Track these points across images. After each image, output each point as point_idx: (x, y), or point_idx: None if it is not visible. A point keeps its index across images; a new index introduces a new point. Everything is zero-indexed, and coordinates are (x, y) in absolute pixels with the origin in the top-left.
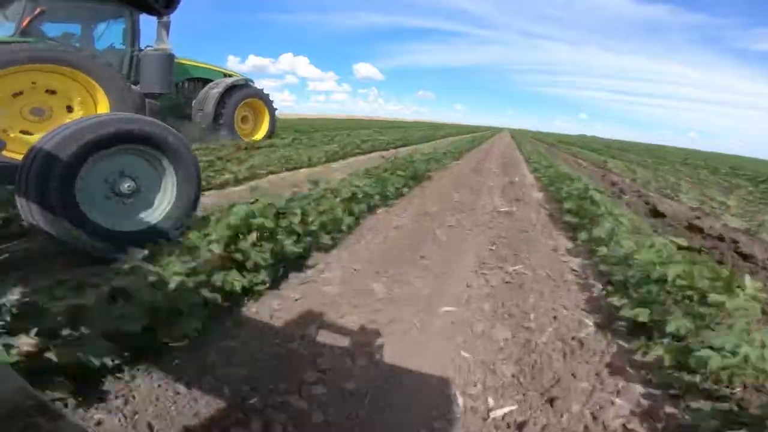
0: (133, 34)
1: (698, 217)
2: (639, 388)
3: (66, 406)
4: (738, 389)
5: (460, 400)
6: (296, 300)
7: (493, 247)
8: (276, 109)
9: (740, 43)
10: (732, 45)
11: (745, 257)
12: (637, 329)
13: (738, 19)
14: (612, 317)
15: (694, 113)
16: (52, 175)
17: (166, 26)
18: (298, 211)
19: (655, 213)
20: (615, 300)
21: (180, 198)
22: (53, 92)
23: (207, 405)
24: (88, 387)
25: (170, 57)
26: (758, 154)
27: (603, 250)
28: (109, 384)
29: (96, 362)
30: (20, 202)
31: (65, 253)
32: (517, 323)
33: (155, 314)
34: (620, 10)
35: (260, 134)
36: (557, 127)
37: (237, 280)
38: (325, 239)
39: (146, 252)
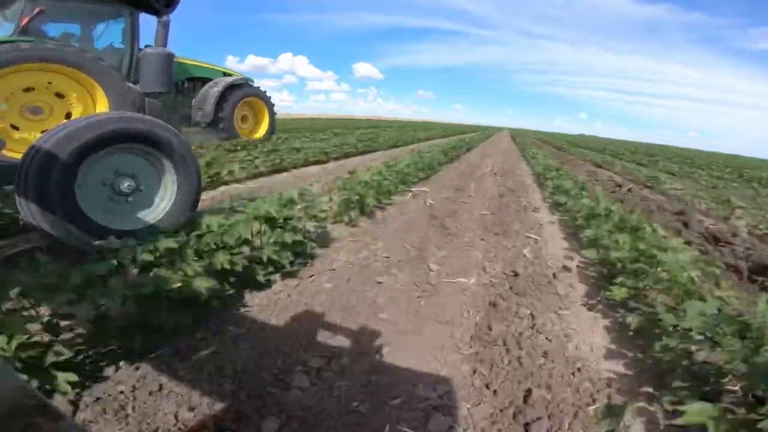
0: (132, 34)
1: None
2: None
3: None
4: None
5: None
6: None
7: None
8: (275, 111)
9: (740, 42)
10: (731, 45)
11: None
12: None
13: (737, 19)
14: None
15: (693, 113)
16: (51, 174)
17: (166, 25)
18: None
19: None
20: None
21: (180, 196)
22: (52, 91)
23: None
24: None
25: (170, 56)
26: (759, 154)
27: None
28: None
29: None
30: (20, 201)
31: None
32: None
33: None
34: (620, 10)
35: (260, 133)
36: (557, 126)
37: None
38: None
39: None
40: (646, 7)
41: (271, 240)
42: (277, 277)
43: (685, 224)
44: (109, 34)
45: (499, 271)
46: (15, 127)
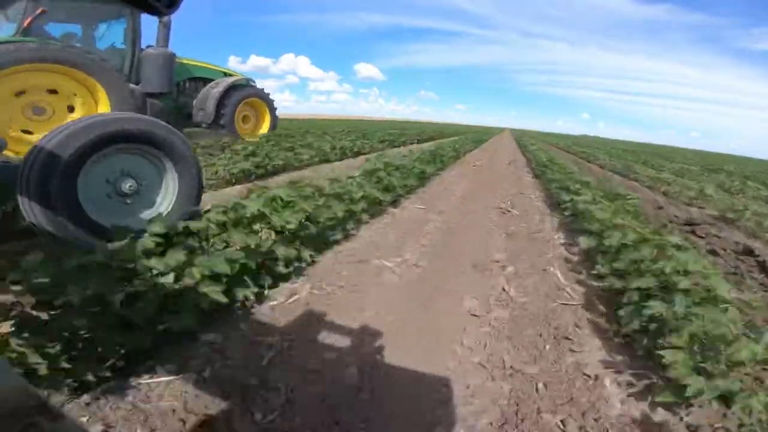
0: (134, 34)
1: None
2: None
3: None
4: None
5: None
6: None
7: None
8: (276, 108)
9: (741, 42)
10: (733, 45)
11: None
12: None
13: (738, 18)
14: None
15: (695, 113)
16: (53, 174)
17: (168, 26)
18: None
19: None
20: None
21: (181, 197)
22: (54, 92)
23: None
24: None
25: (171, 56)
26: (762, 154)
27: None
28: None
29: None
30: (22, 202)
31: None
32: None
33: None
34: (619, 10)
35: (261, 134)
36: (560, 127)
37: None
38: None
39: None
40: (646, 7)
41: None
42: None
43: None
44: (110, 34)
45: None
46: (15, 128)
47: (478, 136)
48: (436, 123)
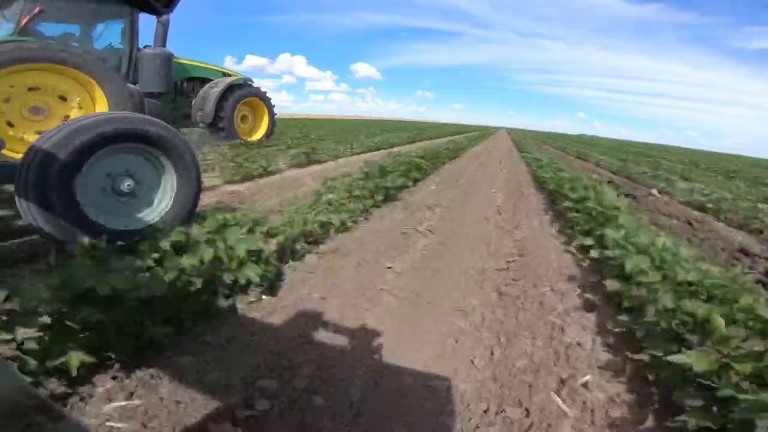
0: (132, 34)
1: None
2: None
3: None
4: None
5: None
6: None
7: None
8: (274, 107)
9: (737, 41)
10: (729, 44)
11: None
12: None
13: (733, 18)
14: None
15: (692, 112)
16: (51, 174)
17: (165, 25)
18: None
19: None
20: None
21: (179, 196)
22: (52, 91)
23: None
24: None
25: (169, 56)
26: (760, 153)
27: None
28: None
29: None
30: (19, 202)
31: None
32: None
33: None
34: (616, 10)
35: (259, 133)
36: (556, 126)
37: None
38: None
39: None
40: (642, 6)
41: None
42: None
43: None
44: (108, 34)
45: None
46: (13, 127)
47: (460, 143)
48: (433, 123)
